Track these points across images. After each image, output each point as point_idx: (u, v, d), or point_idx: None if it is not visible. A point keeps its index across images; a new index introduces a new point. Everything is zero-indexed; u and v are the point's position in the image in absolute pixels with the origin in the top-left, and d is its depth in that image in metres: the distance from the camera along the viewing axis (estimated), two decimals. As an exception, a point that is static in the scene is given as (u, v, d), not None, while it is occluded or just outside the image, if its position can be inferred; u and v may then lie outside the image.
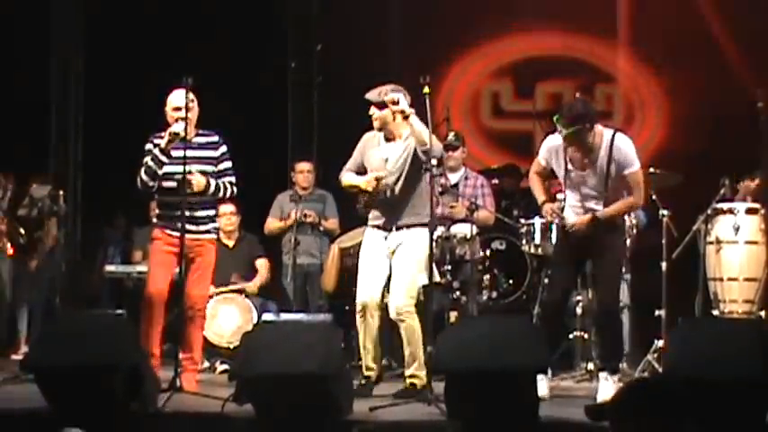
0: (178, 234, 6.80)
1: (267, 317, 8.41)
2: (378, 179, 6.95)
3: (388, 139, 7.06)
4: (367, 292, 7.00)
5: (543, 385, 6.56)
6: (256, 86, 10.31)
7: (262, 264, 9.34)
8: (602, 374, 6.86)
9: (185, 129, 6.85)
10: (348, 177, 7.15)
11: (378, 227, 7.07)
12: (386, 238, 7.02)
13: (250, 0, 10.47)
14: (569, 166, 6.82)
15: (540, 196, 7.06)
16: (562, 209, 6.92)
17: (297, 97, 10.68)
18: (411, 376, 6.93)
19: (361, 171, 7.11)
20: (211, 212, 7.21)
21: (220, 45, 10.24)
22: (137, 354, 5.87)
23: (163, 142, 6.92)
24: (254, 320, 8.44)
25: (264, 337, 5.80)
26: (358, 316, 7.02)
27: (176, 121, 6.94)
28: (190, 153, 6.90)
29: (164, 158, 6.92)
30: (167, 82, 7.11)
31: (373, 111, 6.97)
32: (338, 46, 10.37)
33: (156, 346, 7.01)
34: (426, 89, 6.62)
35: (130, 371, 5.65)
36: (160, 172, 6.92)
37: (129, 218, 9.99)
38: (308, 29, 10.60)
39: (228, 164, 7.17)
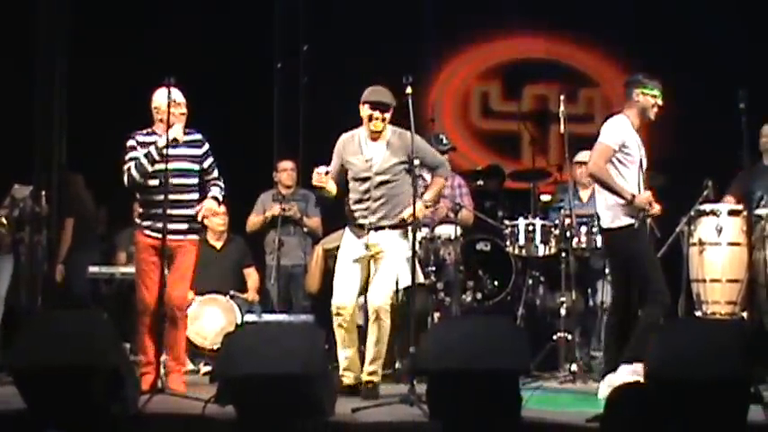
0: (156, 235, 6.79)
1: (249, 318, 8.42)
2: (319, 174, 6.94)
3: (371, 140, 7.04)
4: (343, 294, 7.01)
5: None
6: (242, 86, 10.29)
7: (250, 273, 9.33)
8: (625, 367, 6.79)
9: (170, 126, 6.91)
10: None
11: (359, 227, 7.06)
12: (366, 238, 7.02)
13: (237, 0, 10.44)
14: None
15: (627, 191, 6.91)
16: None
17: (283, 97, 10.65)
18: (372, 373, 6.97)
19: (343, 175, 7.10)
20: (191, 212, 7.17)
21: (207, 45, 10.22)
22: (117, 355, 5.83)
23: (161, 143, 6.93)
24: (238, 321, 8.43)
25: (246, 338, 5.78)
26: (334, 319, 7.02)
27: (162, 118, 6.97)
28: (175, 151, 6.94)
29: (157, 157, 6.93)
30: (152, 81, 7.12)
31: (378, 114, 6.93)
32: (325, 46, 10.37)
33: (152, 355, 7.03)
34: (409, 89, 6.62)
35: (111, 372, 5.62)
36: (150, 169, 6.92)
37: (110, 215, 9.94)
38: (295, 29, 10.59)
39: (212, 159, 7.22)
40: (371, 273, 7.06)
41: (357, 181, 7.06)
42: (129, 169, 6.99)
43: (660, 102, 7.03)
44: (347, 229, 7.19)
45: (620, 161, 6.93)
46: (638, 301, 7.00)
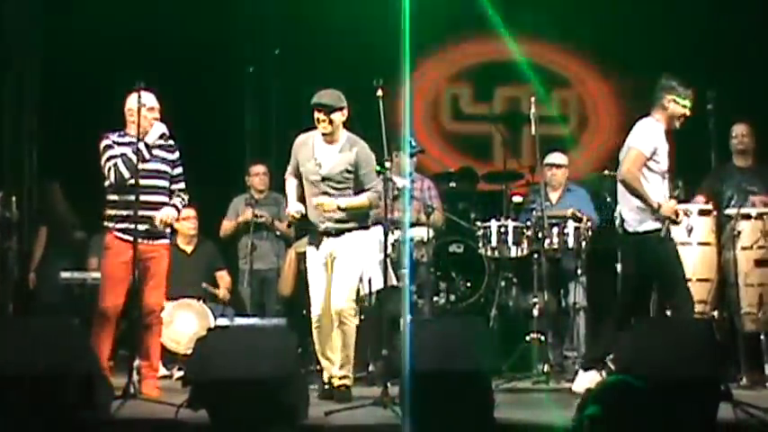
0: (131, 238, 6.77)
1: (221, 322, 8.41)
2: (294, 217, 7.04)
3: (325, 143, 7.03)
4: (320, 303, 7.03)
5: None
6: (214, 90, 10.26)
7: (222, 276, 9.35)
8: None
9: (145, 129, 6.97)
10: (288, 189, 7.18)
11: (318, 232, 7.07)
12: (324, 243, 7.04)
13: (208, 5, 10.41)
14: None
15: (653, 200, 6.92)
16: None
17: (254, 101, 10.62)
18: (343, 377, 6.97)
19: (299, 174, 7.12)
20: None
21: (178, 50, 10.19)
22: (89, 361, 5.81)
23: (150, 139, 6.99)
24: (212, 326, 8.41)
25: (218, 342, 5.76)
26: (314, 327, 7.05)
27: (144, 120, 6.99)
28: (152, 153, 7.01)
29: (147, 154, 6.98)
30: (123, 87, 7.12)
31: (324, 117, 6.93)
32: (296, 50, 10.35)
33: (106, 359, 7.02)
34: (379, 92, 6.63)
35: (83, 378, 5.60)
36: (140, 167, 6.91)
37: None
38: (266, 33, 10.56)
39: (181, 169, 7.26)
40: (333, 277, 7.05)
41: (308, 182, 7.06)
42: (115, 166, 6.98)
43: (688, 113, 6.99)
44: (309, 234, 7.20)
45: (649, 168, 6.95)
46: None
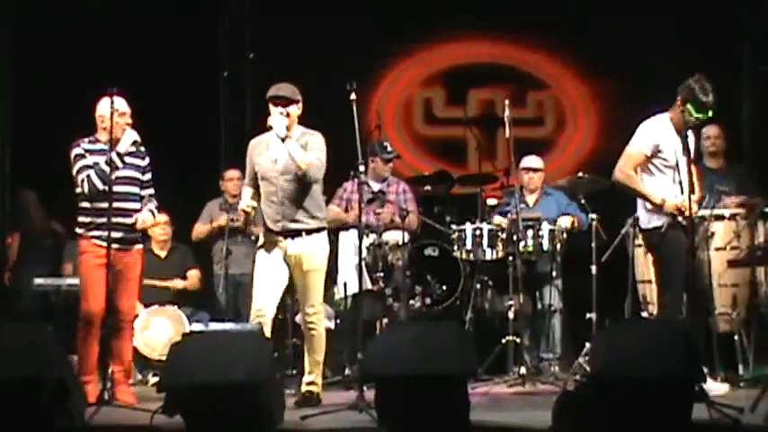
0: (103, 244, 6.75)
1: (196, 327, 8.38)
2: (245, 212, 7.00)
3: (280, 139, 6.92)
4: (261, 300, 6.94)
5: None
6: (188, 95, 10.24)
7: (192, 274, 9.35)
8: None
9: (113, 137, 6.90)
10: (243, 192, 7.12)
11: (272, 231, 6.99)
12: (282, 244, 6.95)
13: (182, 9, 10.39)
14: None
15: (656, 196, 6.97)
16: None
17: (229, 106, 10.62)
18: (311, 383, 6.94)
19: (256, 180, 7.04)
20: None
21: (152, 54, 10.16)
22: (62, 367, 5.79)
23: (122, 148, 6.95)
24: (186, 331, 8.39)
25: (193, 347, 5.75)
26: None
27: (106, 127, 6.96)
28: (121, 163, 6.98)
29: (119, 163, 6.96)
30: (96, 91, 7.10)
31: (281, 110, 6.86)
32: (270, 55, 10.34)
33: (94, 365, 7.00)
34: (353, 96, 6.63)
35: (56, 384, 5.57)
36: (113, 177, 6.87)
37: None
38: (241, 38, 10.56)
39: (150, 175, 7.25)
40: (295, 281, 7.02)
41: (264, 181, 6.98)
42: (88, 177, 6.96)
43: (698, 122, 6.99)
44: (261, 235, 7.13)
45: (656, 165, 6.98)
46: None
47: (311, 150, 6.89)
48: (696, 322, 6.96)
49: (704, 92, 6.86)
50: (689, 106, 6.82)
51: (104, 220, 6.80)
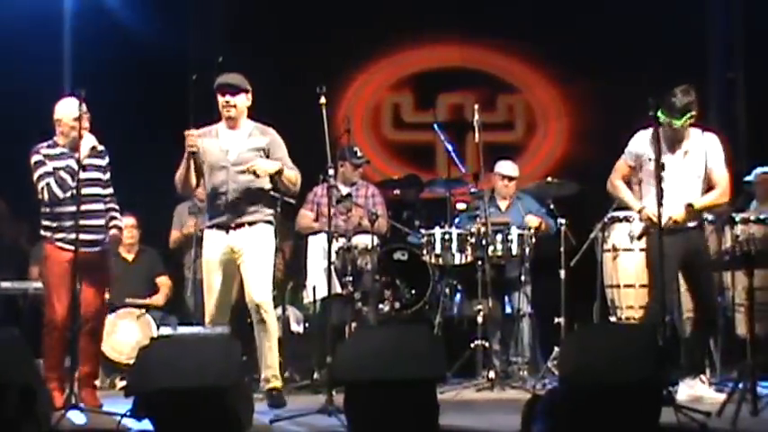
0: (72, 247, 6.70)
1: (164, 331, 8.36)
2: (191, 139, 6.78)
3: (229, 129, 6.87)
4: (215, 309, 6.90)
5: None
6: (157, 98, 10.20)
7: (163, 281, 9.30)
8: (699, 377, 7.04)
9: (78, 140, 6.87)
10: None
11: (217, 226, 6.88)
12: (227, 238, 6.85)
13: (150, 11, 10.35)
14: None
15: (636, 204, 7.07)
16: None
17: (198, 109, 10.56)
18: (273, 377, 6.88)
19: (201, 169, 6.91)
20: (101, 222, 7.13)
21: (118, 57, 10.11)
22: (29, 371, 5.73)
23: (82, 155, 6.87)
24: (154, 335, 8.36)
25: (161, 351, 5.71)
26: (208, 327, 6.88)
27: (74, 130, 6.92)
28: (87, 161, 6.93)
29: (81, 173, 6.88)
30: (57, 94, 7.06)
31: (229, 98, 6.82)
32: (239, 59, 10.31)
33: (61, 370, 6.96)
34: (322, 99, 6.63)
35: (22, 389, 5.53)
36: (73, 184, 6.83)
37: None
38: (210, 41, 10.52)
39: (109, 174, 7.21)
40: (242, 274, 6.90)
41: (213, 171, 6.87)
42: (48, 185, 6.91)
43: (671, 126, 6.90)
44: (206, 233, 7.01)
45: (646, 175, 6.99)
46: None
47: (280, 159, 6.85)
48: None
49: (672, 95, 6.87)
50: (659, 112, 6.84)
51: (69, 223, 6.78)
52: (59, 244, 6.95)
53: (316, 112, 6.67)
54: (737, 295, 7.84)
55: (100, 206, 7.10)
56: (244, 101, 6.86)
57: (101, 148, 7.12)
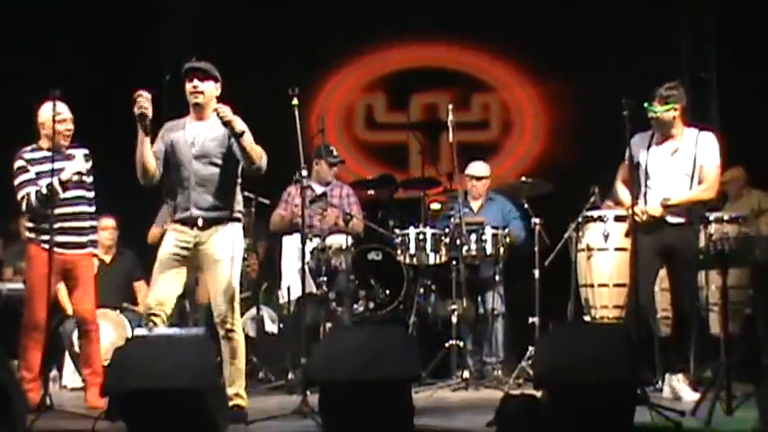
0: (56, 250, 6.71)
1: (140, 332, 8.31)
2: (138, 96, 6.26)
3: (196, 119, 6.46)
4: (160, 295, 6.35)
5: None
6: (130, 99, 10.16)
7: (139, 286, 9.25)
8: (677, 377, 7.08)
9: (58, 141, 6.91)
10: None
11: (180, 222, 6.41)
12: (191, 233, 6.37)
13: (123, 13, 10.32)
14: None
15: (626, 202, 7.16)
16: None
17: (172, 110, 10.53)
18: (236, 395, 6.36)
19: (162, 159, 6.43)
20: (87, 224, 7.17)
21: (92, 58, 10.08)
22: (4, 372, 5.71)
23: (64, 176, 6.89)
24: (128, 336, 8.32)
25: (136, 352, 5.69)
26: (144, 323, 6.41)
27: (48, 134, 6.93)
28: (62, 165, 6.94)
29: (61, 191, 6.90)
30: (35, 96, 7.03)
31: (197, 83, 6.36)
32: (212, 59, 10.29)
33: (37, 371, 6.97)
34: (294, 101, 6.60)
35: (-2, 390, 5.52)
36: (53, 203, 6.83)
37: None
38: (182, 41, 10.50)
39: (92, 178, 7.22)
40: (206, 278, 6.52)
41: (176, 166, 6.43)
42: (27, 196, 6.93)
43: (652, 117, 7.04)
44: (168, 229, 6.55)
45: (641, 174, 7.09)
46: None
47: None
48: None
49: (660, 86, 7.02)
50: (645, 104, 6.92)
51: (56, 225, 6.78)
52: (44, 245, 6.92)
53: (288, 114, 6.65)
54: (711, 294, 7.89)
55: (84, 208, 7.12)
56: (212, 88, 6.42)
57: (86, 151, 7.11)
